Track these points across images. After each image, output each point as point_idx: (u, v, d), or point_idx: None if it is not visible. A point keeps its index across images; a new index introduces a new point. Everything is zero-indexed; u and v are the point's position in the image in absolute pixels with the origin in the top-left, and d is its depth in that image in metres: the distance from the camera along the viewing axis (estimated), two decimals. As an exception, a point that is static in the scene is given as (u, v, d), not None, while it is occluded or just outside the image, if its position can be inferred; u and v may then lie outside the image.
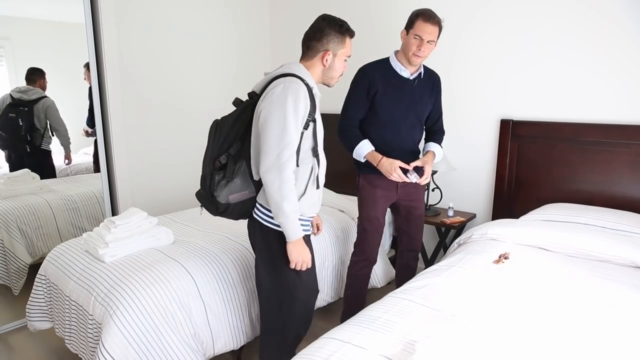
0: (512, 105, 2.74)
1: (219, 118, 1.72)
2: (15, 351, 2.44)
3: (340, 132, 2.24)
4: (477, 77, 2.84)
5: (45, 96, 2.73)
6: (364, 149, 2.17)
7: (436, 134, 2.39)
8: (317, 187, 1.74)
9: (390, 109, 2.19)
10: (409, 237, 2.42)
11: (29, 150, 2.77)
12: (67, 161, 2.92)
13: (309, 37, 1.72)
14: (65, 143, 2.88)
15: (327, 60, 1.70)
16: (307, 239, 1.76)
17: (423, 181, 2.16)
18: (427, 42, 2.04)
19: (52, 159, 2.87)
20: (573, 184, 2.55)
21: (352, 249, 2.43)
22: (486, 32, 2.76)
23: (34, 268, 2.40)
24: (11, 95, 2.65)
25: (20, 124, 2.69)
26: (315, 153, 1.69)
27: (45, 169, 2.88)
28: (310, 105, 1.61)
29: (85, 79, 2.84)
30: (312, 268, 1.81)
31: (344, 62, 1.76)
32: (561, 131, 2.54)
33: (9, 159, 2.73)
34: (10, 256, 2.68)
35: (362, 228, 2.32)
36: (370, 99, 2.18)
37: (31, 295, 2.27)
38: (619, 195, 2.41)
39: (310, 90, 1.64)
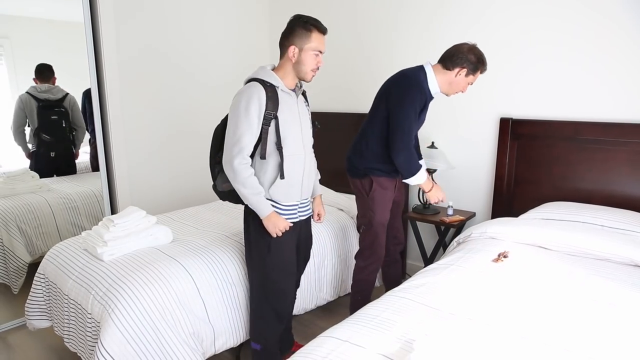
0: (512, 104, 2.74)
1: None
2: (14, 350, 2.44)
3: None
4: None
5: (68, 93, 2.74)
6: (423, 176, 2.17)
7: (418, 144, 2.53)
8: (282, 177, 1.85)
9: (419, 125, 2.25)
10: (394, 230, 2.44)
11: (74, 150, 2.83)
12: (75, 156, 2.94)
13: (281, 36, 1.84)
14: (81, 140, 2.91)
15: (292, 53, 1.80)
16: (303, 224, 2.01)
17: None
18: None
19: (74, 158, 2.94)
20: (572, 183, 2.55)
21: (351, 248, 2.42)
22: (486, 31, 2.75)
23: (33, 267, 2.40)
24: (33, 96, 2.63)
25: (64, 125, 2.71)
26: (278, 146, 1.82)
27: (71, 169, 2.94)
28: (269, 103, 1.76)
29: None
30: (285, 249, 1.94)
31: (313, 57, 1.81)
32: (560, 130, 2.54)
33: (39, 163, 2.74)
34: (9, 255, 2.68)
35: (375, 232, 2.28)
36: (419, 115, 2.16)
37: (30, 293, 2.27)
38: (617, 193, 2.41)
39: (274, 90, 1.79)
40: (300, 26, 1.79)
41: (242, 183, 1.77)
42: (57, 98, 2.68)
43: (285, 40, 1.82)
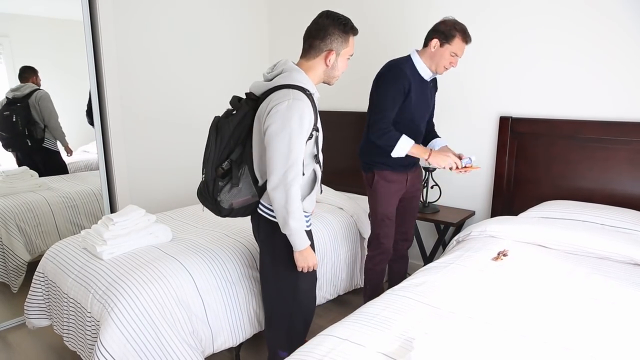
0: (512, 102, 2.73)
1: (219, 117, 1.70)
2: (13, 349, 2.44)
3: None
4: (476, 73, 2.84)
5: (38, 89, 2.72)
6: (407, 144, 2.09)
7: (434, 127, 2.52)
8: (321, 192, 1.82)
9: (414, 110, 2.20)
10: (405, 226, 2.49)
11: (30, 144, 2.76)
12: (68, 154, 2.91)
13: (312, 35, 1.66)
14: (60, 135, 2.85)
15: (330, 60, 1.66)
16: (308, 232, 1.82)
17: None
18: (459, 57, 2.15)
19: (61, 158, 2.89)
20: (572, 181, 2.55)
21: (351, 246, 2.43)
22: (486, 30, 2.75)
23: (33, 266, 2.40)
24: (6, 97, 2.65)
25: (15, 119, 2.69)
26: (317, 159, 1.71)
27: (56, 168, 2.89)
28: (314, 115, 1.60)
29: None
30: None
31: (346, 61, 1.72)
32: (560, 128, 2.54)
33: (18, 161, 2.74)
34: (8, 254, 2.67)
35: (378, 224, 2.35)
36: (404, 98, 2.14)
37: (29, 292, 2.27)
38: (617, 192, 2.41)
39: (312, 98, 1.62)
40: (340, 29, 1.64)
41: (292, 213, 1.59)
42: (22, 95, 2.67)
43: (322, 42, 1.64)
